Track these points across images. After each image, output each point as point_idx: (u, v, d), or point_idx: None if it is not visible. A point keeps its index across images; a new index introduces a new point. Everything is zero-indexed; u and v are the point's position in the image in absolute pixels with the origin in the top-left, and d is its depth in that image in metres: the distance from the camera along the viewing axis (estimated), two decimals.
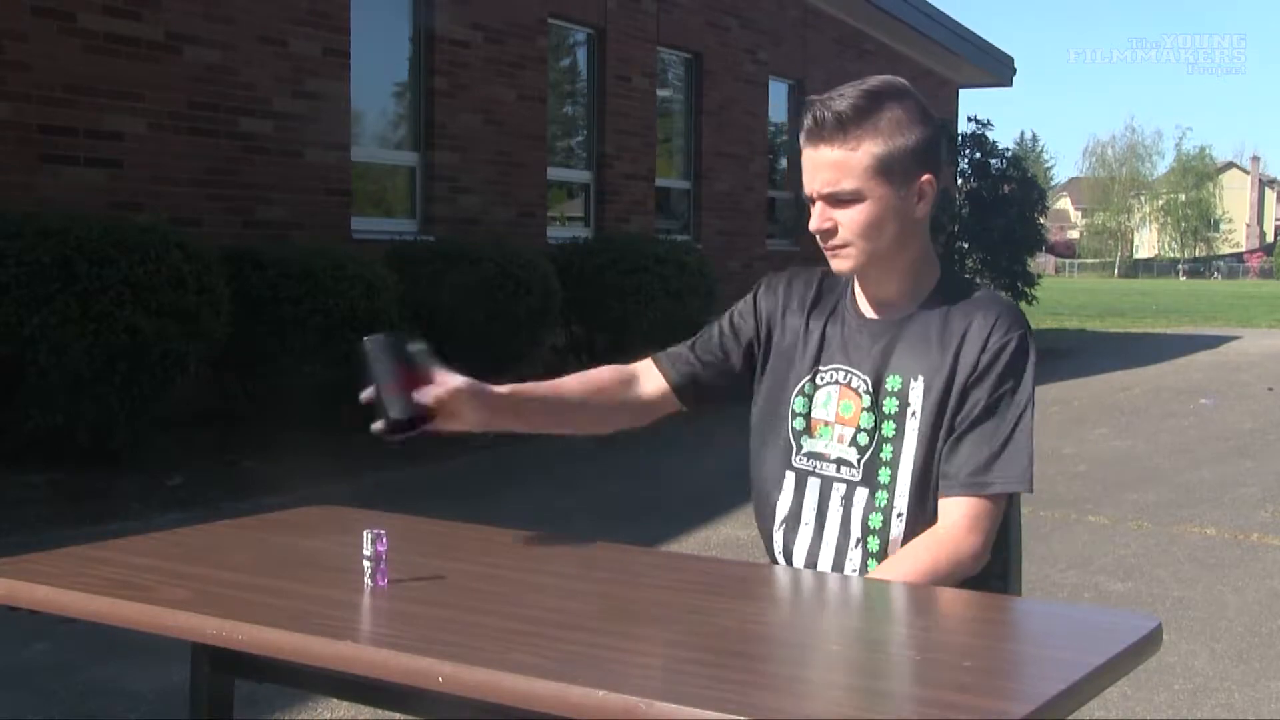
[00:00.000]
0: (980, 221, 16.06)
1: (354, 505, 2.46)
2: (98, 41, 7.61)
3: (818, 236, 2.05)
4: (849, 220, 2.00)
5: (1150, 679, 3.82)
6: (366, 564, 1.75)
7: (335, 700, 3.36)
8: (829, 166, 1.99)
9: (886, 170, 1.98)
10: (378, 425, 1.90)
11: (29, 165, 7.27)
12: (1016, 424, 1.98)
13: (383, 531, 1.76)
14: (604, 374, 2.22)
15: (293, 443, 6.95)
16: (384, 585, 1.75)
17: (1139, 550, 5.62)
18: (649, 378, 2.23)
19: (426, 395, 1.93)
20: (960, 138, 16.81)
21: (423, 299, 8.33)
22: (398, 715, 2.15)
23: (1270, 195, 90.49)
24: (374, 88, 9.96)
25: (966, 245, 16.39)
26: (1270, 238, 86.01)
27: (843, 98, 1.98)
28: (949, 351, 2.01)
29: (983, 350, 1.99)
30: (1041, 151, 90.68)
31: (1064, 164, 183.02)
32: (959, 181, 17.13)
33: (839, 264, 2.06)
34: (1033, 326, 2.07)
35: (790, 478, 2.13)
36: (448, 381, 1.96)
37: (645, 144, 12.77)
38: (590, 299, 10.01)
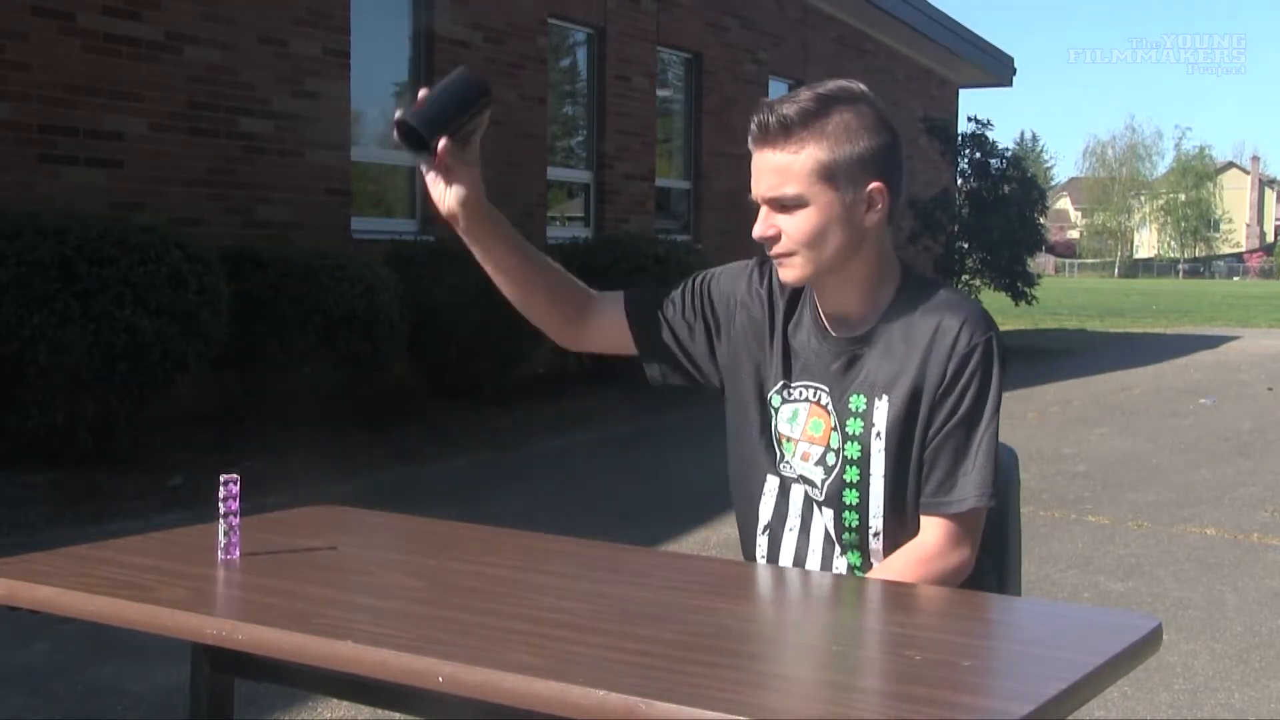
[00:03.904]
0: (980, 221, 16.05)
1: (354, 505, 2.46)
2: (98, 41, 7.61)
3: (763, 244, 1.98)
4: (792, 227, 1.93)
5: (1150, 679, 3.82)
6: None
7: (335, 700, 3.36)
8: (772, 171, 1.93)
9: (830, 175, 1.91)
10: (401, 116, 2.09)
11: (29, 165, 7.27)
12: (982, 437, 1.94)
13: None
14: (577, 286, 2.18)
15: (293, 443, 6.94)
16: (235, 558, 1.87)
17: (1139, 550, 5.62)
18: (613, 312, 2.18)
19: (446, 145, 2.10)
20: (960, 138, 16.79)
21: (423, 299, 8.32)
22: (398, 715, 2.15)
23: (1270, 195, 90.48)
24: (374, 88, 9.97)
25: (966, 245, 16.38)
26: (1270, 238, 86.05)
27: (793, 102, 1.92)
28: (914, 359, 1.95)
29: (950, 357, 1.94)
30: (1041, 151, 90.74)
31: (1064, 164, 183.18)
32: (959, 181, 17.13)
33: (785, 274, 1.99)
34: (1000, 326, 2.01)
35: (774, 483, 2.08)
36: (468, 161, 2.15)
37: (645, 144, 12.77)
38: None
